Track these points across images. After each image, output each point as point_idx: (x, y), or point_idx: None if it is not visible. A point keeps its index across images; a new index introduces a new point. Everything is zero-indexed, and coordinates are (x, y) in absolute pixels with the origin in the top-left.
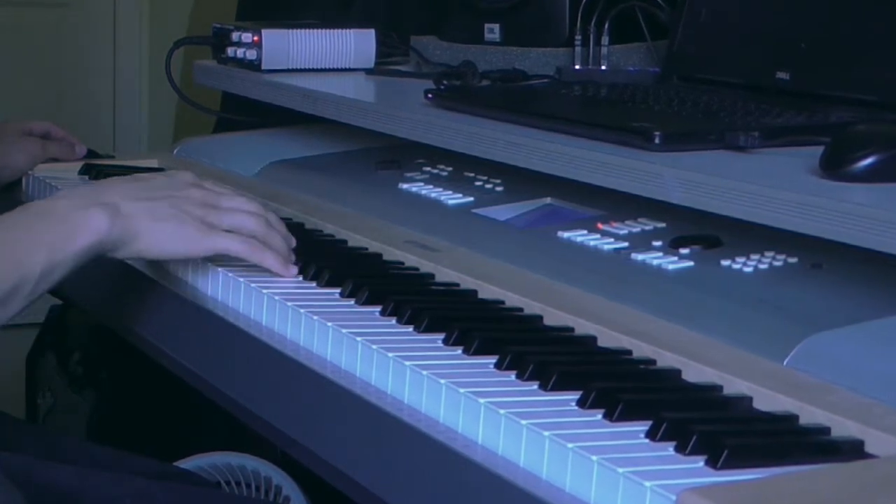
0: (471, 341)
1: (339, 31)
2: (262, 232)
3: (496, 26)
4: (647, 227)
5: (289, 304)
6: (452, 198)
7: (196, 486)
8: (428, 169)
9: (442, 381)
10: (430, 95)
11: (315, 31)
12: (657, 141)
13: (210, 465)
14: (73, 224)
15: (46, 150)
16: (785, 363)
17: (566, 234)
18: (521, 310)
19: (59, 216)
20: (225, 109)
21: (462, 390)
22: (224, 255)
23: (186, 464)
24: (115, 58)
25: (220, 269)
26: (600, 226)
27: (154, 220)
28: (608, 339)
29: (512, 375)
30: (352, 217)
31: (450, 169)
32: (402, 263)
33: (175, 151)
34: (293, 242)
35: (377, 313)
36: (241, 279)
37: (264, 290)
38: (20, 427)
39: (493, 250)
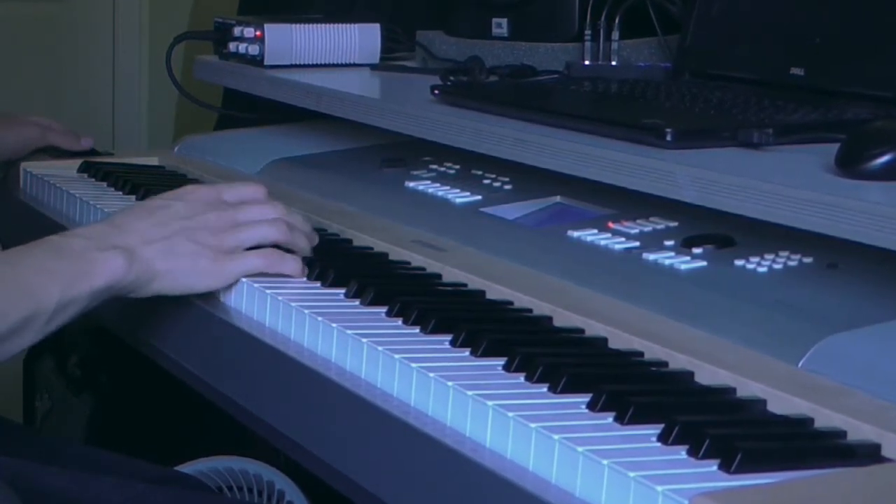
0: (479, 343)
1: (343, 25)
2: (284, 239)
3: (504, 21)
4: (658, 227)
5: (293, 304)
6: (460, 196)
7: (196, 491)
8: (434, 167)
9: (449, 383)
10: (436, 91)
11: (319, 25)
12: (669, 138)
13: (211, 469)
14: (89, 264)
15: (46, 137)
16: (800, 365)
17: (576, 234)
18: (530, 311)
19: (74, 254)
20: (227, 106)
21: (470, 393)
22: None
23: (187, 468)
24: (114, 53)
25: None
26: (611, 225)
27: (171, 261)
28: (619, 340)
29: (521, 378)
30: (357, 216)
31: (457, 167)
32: (409, 263)
33: (176, 149)
34: (316, 240)
35: (383, 314)
36: (245, 279)
37: (268, 291)
38: (17, 431)
39: (502, 250)
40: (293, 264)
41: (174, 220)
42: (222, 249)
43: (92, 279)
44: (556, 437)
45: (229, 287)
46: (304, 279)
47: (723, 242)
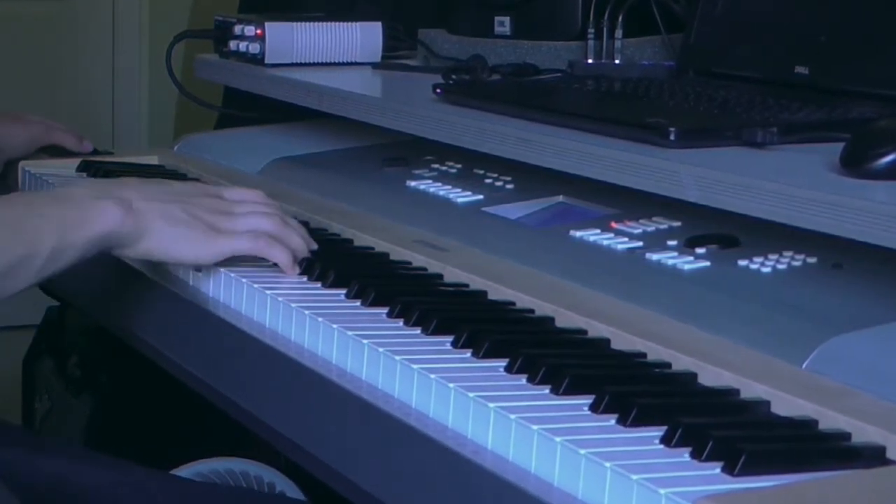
0: (480, 344)
1: (345, 24)
2: (278, 231)
3: (506, 19)
4: (661, 226)
5: (293, 305)
6: (461, 196)
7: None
8: (436, 166)
9: (451, 384)
10: (438, 90)
11: (320, 24)
12: (672, 137)
13: (212, 470)
14: (86, 211)
15: (50, 135)
16: (804, 366)
17: (579, 234)
18: (532, 311)
19: (73, 202)
20: (227, 105)
21: (471, 394)
22: (236, 256)
23: (187, 469)
24: (114, 51)
25: (221, 269)
26: (614, 225)
27: (164, 222)
28: (622, 341)
29: (523, 379)
30: (358, 216)
31: (459, 166)
32: (410, 263)
33: (176, 148)
34: (314, 245)
35: (384, 315)
36: (244, 279)
37: (268, 291)
38: (15, 432)
39: (504, 250)
40: (282, 254)
41: (171, 193)
42: (215, 227)
43: (89, 226)
44: (558, 439)
45: (230, 287)
46: (305, 279)
47: (726, 242)
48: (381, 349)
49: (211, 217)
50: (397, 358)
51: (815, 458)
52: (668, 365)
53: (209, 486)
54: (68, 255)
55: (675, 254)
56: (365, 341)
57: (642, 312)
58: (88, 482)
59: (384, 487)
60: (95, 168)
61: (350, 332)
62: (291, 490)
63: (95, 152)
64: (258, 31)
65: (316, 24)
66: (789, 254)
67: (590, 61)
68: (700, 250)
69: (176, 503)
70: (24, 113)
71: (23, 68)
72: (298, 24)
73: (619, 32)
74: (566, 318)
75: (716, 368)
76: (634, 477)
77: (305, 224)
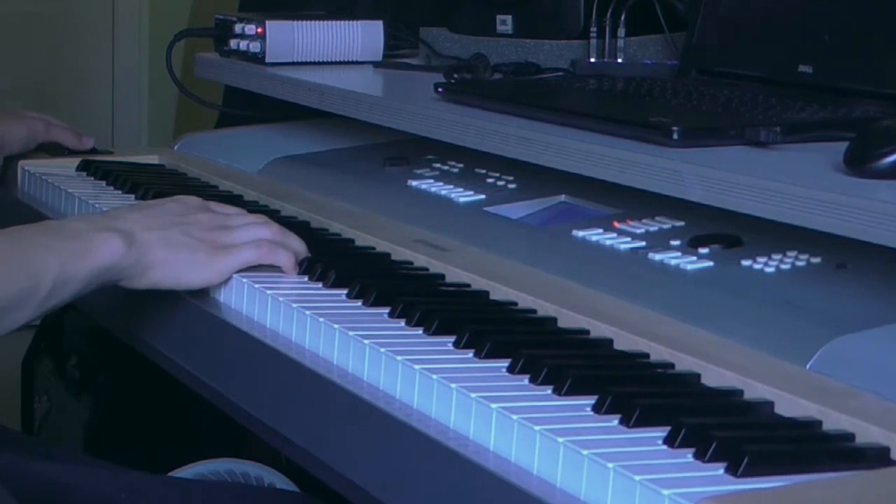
0: (482, 344)
1: (346, 22)
2: (277, 237)
3: (508, 18)
4: (664, 226)
5: (294, 305)
6: (463, 195)
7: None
8: (438, 165)
9: (452, 385)
10: (440, 89)
11: (321, 22)
12: (675, 137)
13: (211, 471)
14: (87, 243)
15: (50, 132)
16: (808, 367)
17: (581, 233)
18: (534, 311)
19: (73, 233)
20: (227, 104)
21: (473, 395)
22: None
23: (187, 470)
24: (114, 50)
25: None
26: (616, 224)
27: (168, 250)
28: (625, 341)
29: (525, 380)
30: (359, 215)
31: (461, 165)
32: (412, 263)
33: (176, 147)
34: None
35: (385, 315)
36: (245, 280)
37: (268, 291)
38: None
39: (506, 250)
40: (286, 257)
41: (168, 216)
42: (216, 245)
43: (91, 258)
44: (560, 439)
45: (230, 288)
46: (306, 279)
47: (730, 242)
48: (382, 350)
49: (210, 235)
50: (399, 358)
51: (819, 458)
52: (672, 365)
53: (209, 484)
54: (70, 288)
55: (679, 254)
56: (366, 342)
57: (645, 313)
58: (85, 486)
59: (385, 488)
60: (95, 167)
61: (351, 333)
62: (291, 490)
63: (95, 150)
64: (259, 30)
65: (317, 22)
66: (793, 254)
67: (592, 60)
68: (703, 250)
69: (180, 501)
70: (24, 110)
71: (22, 67)
72: (299, 22)
73: (621, 31)
74: (569, 319)
75: (719, 369)
76: (637, 478)
77: (306, 224)
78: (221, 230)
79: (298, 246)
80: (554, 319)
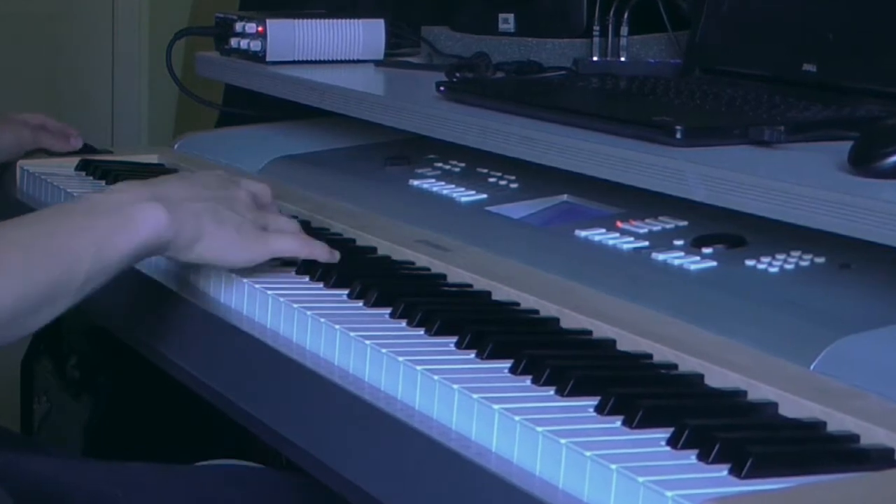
0: (484, 345)
1: (347, 21)
2: (303, 235)
3: (510, 16)
4: (668, 226)
5: (295, 306)
6: (465, 195)
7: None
8: (439, 165)
9: (454, 386)
10: (441, 88)
11: (322, 21)
12: (679, 136)
13: None
14: (126, 218)
15: (38, 138)
16: (812, 367)
17: (584, 233)
18: (536, 312)
19: (110, 210)
20: (228, 103)
21: (475, 396)
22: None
23: None
24: (113, 48)
25: (222, 270)
26: (619, 224)
27: (216, 224)
28: (628, 342)
29: (527, 380)
30: (360, 215)
31: (462, 165)
32: (413, 263)
33: (176, 146)
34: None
35: (387, 315)
36: (245, 280)
37: (269, 292)
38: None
39: (508, 250)
40: (321, 249)
41: (211, 189)
42: (259, 225)
43: (131, 234)
44: (563, 441)
45: (230, 288)
46: (307, 279)
47: (733, 242)
48: (383, 350)
49: (251, 214)
50: (400, 359)
51: (823, 460)
52: (675, 366)
53: (209, 473)
54: (110, 269)
55: (682, 254)
56: (367, 342)
57: (648, 313)
58: (82, 484)
59: (387, 490)
60: (94, 167)
61: (352, 334)
62: None
63: (93, 150)
64: (259, 29)
65: (318, 21)
66: (797, 254)
67: (595, 59)
68: (707, 250)
69: (177, 493)
70: (14, 114)
71: (22, 66)
72: (300, 20)
73: (624, 30)
74: (571, 319)
75: (722, 370)
76: (641, 479)
77: (306, 224)
78: (261, 211)
79: (322, 243)
80: (556, 320)
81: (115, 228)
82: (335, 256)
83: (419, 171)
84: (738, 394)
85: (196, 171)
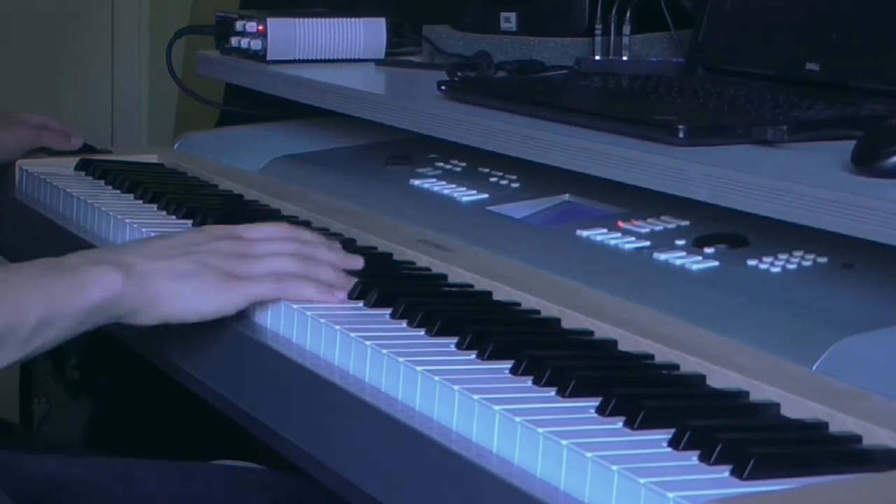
0: (485, 345)
1: (348, 20)
2: (302, 270)
3: (512, 15)
4: (669, 226)
5: (294, 306)
6: (466, 195)
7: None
8: (441, 164)
9: (455, 387)
10: (443, 87)
11: (323, 19)
12: (681, 135)
13: None
14: (81, 279)
15: (39, 138)
16: (814, 368)
17: (585, 233)
18: (538, 312)
19: (66, 269)
20: (228, 102)
21: (476, 397)
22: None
23: None
24: (113, 47)
25: None
26: (621, 224)
27: (173, 280)
28: (629, 342)
29: (528, 381)
30: (361, 215)
31: (463, 164)
32: (414, 263)
33: (176, 146)
34: (358, 264)
35: (387, 316)
36: None
37: None
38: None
39: (509, 250)
40: (308, 288)
41: (179, 246)
42: (231, 273)
43: (83, 294)
44: (564, 442)
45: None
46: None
47: (735, 242)
48: (384, 351)
49: (226, 263)
50: (401, 360)
51: (826, 461)
52: (676, 367)
53: (206, 470)
54: (60, 326)
55: (684, 253)
56: (368, 343)
57: (650, 313)
58: (80, 479)
59: (387, 491)
60: (94, 167)
61: (353, 334)
62: None
63: (93, 150)
64: (260, 27)
65: (318, 20)
66: (799, 254)
67: (597, 58)
68: (709, 250)
69: (177, 492)
70: (14, 114)
71: (22, 65)
72: (301, 19)
73: (626, 28)
74: (572, 319)
75: (724, 370)
76: (642, 480)
77: (307, 224)
78: (241, 258)
79: (329, 275)
80: (557, 320)
81: (66, 289)
82: (336, 296)
83: (420, 170)
84: (740, 394)
85: (256, 225)
